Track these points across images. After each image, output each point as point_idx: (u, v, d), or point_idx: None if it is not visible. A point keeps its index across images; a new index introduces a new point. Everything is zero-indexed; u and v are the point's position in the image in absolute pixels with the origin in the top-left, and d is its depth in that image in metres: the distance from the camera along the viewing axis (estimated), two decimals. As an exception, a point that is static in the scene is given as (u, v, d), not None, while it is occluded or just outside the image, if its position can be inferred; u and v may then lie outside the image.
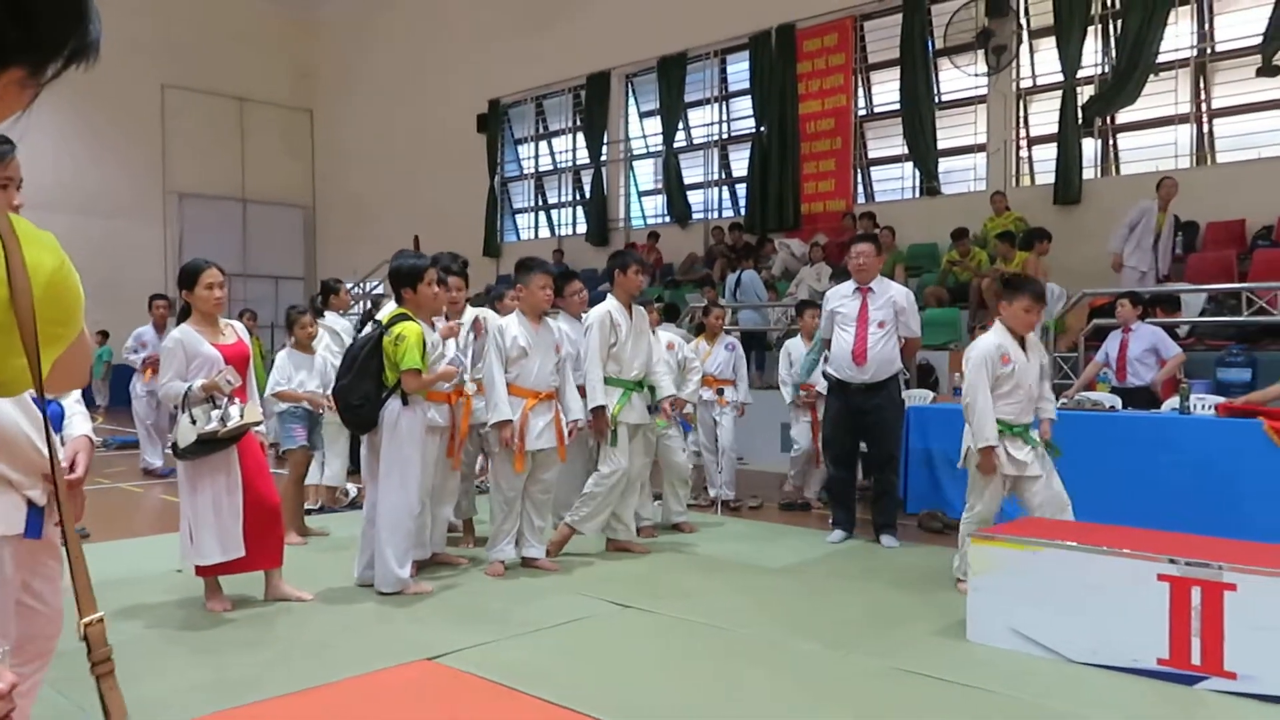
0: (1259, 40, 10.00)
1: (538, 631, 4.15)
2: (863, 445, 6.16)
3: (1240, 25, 10.48)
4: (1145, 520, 4.49)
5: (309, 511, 6.72)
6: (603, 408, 5.43)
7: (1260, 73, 10.06)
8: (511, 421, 5.03)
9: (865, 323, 5.89)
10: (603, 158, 16.13)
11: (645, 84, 15.81)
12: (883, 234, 11.46)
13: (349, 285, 9.98)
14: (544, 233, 17.65)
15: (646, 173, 16.23)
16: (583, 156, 16.65)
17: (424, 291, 4.85)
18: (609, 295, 5.74)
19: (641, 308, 5.86)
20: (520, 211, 18.22)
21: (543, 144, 17.74)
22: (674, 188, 15.16)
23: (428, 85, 18.53)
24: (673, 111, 15.11)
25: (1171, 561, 3.49)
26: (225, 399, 4.31)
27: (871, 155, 13.52)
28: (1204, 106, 10.78)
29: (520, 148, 18.07)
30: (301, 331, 6.26)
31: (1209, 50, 10.76)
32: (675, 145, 15.21)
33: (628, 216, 16.19)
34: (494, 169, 17.74)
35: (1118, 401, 6.61)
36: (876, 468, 6.13)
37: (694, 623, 4.30)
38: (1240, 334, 8.13)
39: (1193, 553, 3.54)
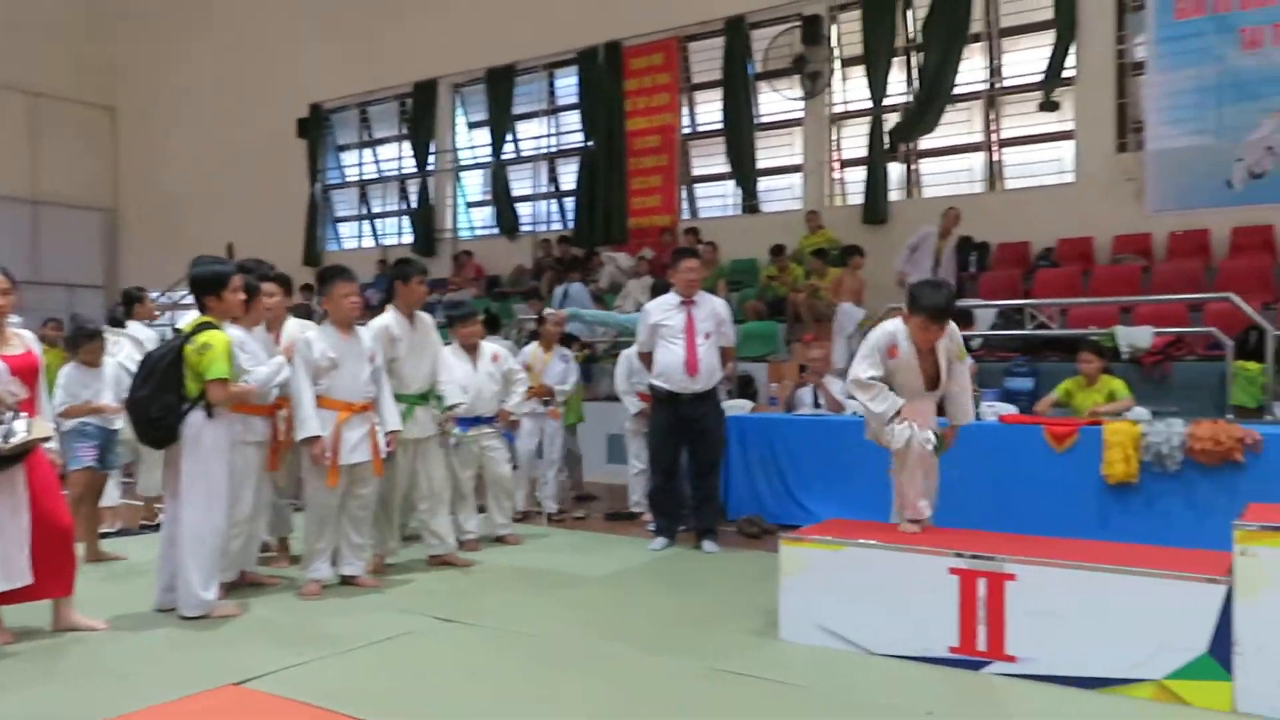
0: (1041, 78, 10.95)
1: (355, 650, 4.04)
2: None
3: (1025, 63, 11.44)
4: (942, 519, 4.79)
5: (105, 535, 6.30)
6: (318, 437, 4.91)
7: (1041, 107, 11.01)
8: (321, 437, 4.87)
9: (693, 334, 6.05)
10: (430, 167, 15.89)
11: (474, 95, 15.70)
12: (706, 249, 11.82)
13: (154, 295, 9.42)
14: (368, 242, 17.20)
15: (475, 184, 16.11)
16: (409, 165, 16.34)
17: (230, 299, 4.65)
18: (389, 307, 5.62)
19: (427, 316, 5.74)
20: (343, 220, 17.68)
21: (367, 151, 17.29)
22: (502, 199, 15.10)
23: (245, 86, 17.71)
24: (501, 123, 15.07)
25: (959, 555, 3.76)
26: (9, 413, 4.00)
27: (696, 172, 13.91)
28: (994, 136, 11.67)
29: (343, 154, 17.54)
30: (88, 355, 5.86)
31: (998, 85, 11.68)
32: (504, 157, 15.17)
33: (455, 227, 16.00)
34: (315, 175, 17.15)
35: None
36: (700, 474, 6.29)
37: (515, 633, 4.30)
38: (1025, 346, 8.83)
39: (980, 547, 3.83)
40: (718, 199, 13.81)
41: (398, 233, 16.83)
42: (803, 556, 4.12)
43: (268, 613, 4.67)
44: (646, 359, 6.26)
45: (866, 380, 4.42)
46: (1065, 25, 10.74)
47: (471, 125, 15.96)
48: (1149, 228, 10.26)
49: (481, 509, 6.53)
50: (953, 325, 4.45)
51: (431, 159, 15.87)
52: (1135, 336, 8.07)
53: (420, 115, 15.84)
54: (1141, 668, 3.41)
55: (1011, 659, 3.65)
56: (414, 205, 16.17)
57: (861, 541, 4.03)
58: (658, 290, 7.31)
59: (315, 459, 4.89)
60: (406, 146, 16.36)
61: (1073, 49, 10.79)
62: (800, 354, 9.75)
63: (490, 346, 6.62)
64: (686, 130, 13.79)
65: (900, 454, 4.42)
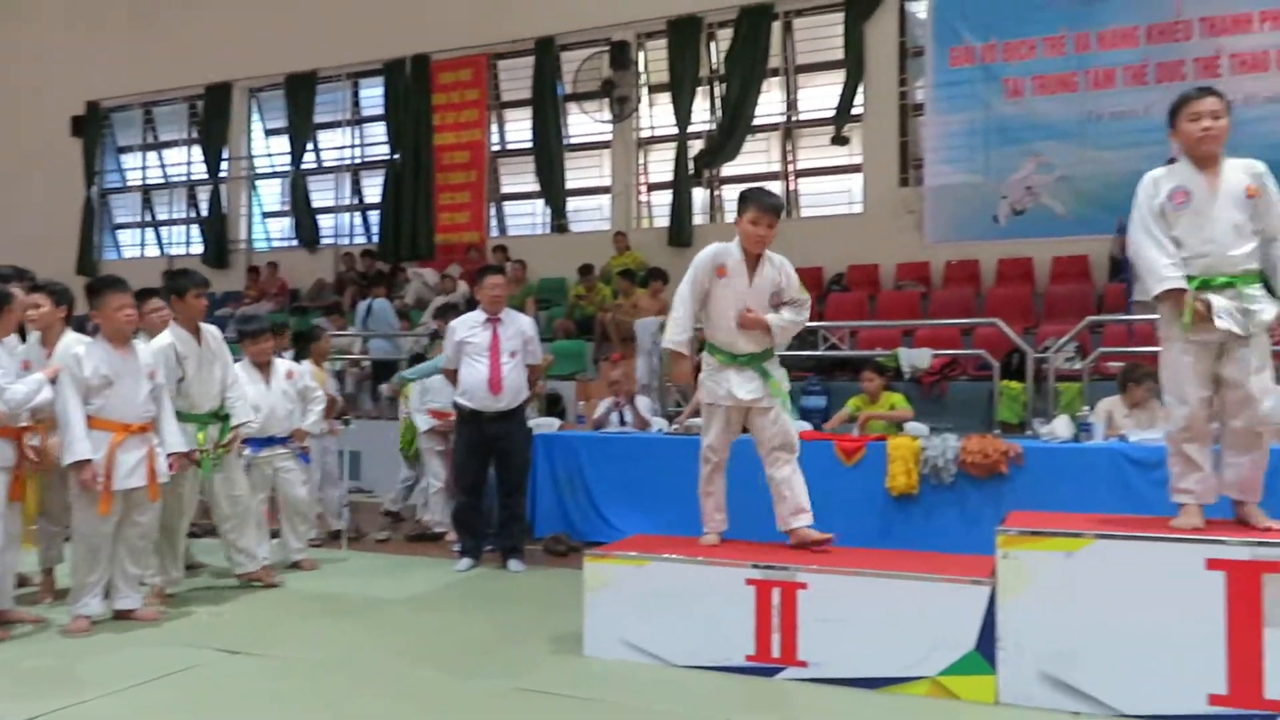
0: (833, 113, 11.64)
1: (129, 689, 3.75)
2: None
3: (819, 99, 12.12)
4: (738, 532, 4.95)
5: None
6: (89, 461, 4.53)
7: (833, 141, 11.70)
8: (91, 461, 4.49)
9: (498, 353, 6.01)
10: (222, 174, 15.07)
11: (272, 100, 15.04)
12: (515, 267, 11.79)
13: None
14: (152, 251, 16.11)
15: (272, 193, 15.40)
16: (199, 171, 15.44)
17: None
18: (171, 323, 5.28)
19: (214, 330, 5.43)
20: (124, 227, 16.49)
21: (152, 154, 16.21)
22: (302, 210, 14.54)
23: (13, 78, 16.21)
24: (302, 131, 14.51)
25: (756, 566, 3.91)
26: None
27: (505, 190, 13.88)
28: (791, 166, 12.28)
29: (124, 157, 16.38)
30: None
31: (795, 118, 12.32)
32: (304, 166, 14.60)
33: (250, 238, 15.24)
34: (91, 178, 15.91)
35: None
36: (505, 493, 6.24)
37: (311, 662, 4.12)
38: (818, 366, 9.31)
39: (775, 558, 4.00)
40: (527, 217, 13.83)
41: (185, 242, 15.85)
42: (607, 572, 4.17)
43: (26, 653, 4.26)
44: (452, 376, 6.17)
45: (677, 301, 4.37)
46: (854, 66, 11.47)
47: (269, 132, 15.28)
48: (928, 257, 11.07)
49: (275, 534, 6.23)
50: (788, 264, 4.41)
51: (224, 165, 15.06)
52: (916, 357, 8.66)
53: (212, 119, 15.03)
54: (918, 666, 3.65)
55: (803, 664, 3.82)
56: (204, 214, 15.29)
57: (664, 556, 4.12)
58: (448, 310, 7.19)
59: (85, 485, 4.50)
60: (197, 151, 15.46)
61: (861, 88, 11.53)
62: (606, 373, 9.90)
63: (284, 363, 6.33)
64: (496, 147, 13.75)
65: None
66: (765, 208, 4.29)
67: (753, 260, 4.36)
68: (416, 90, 13.67)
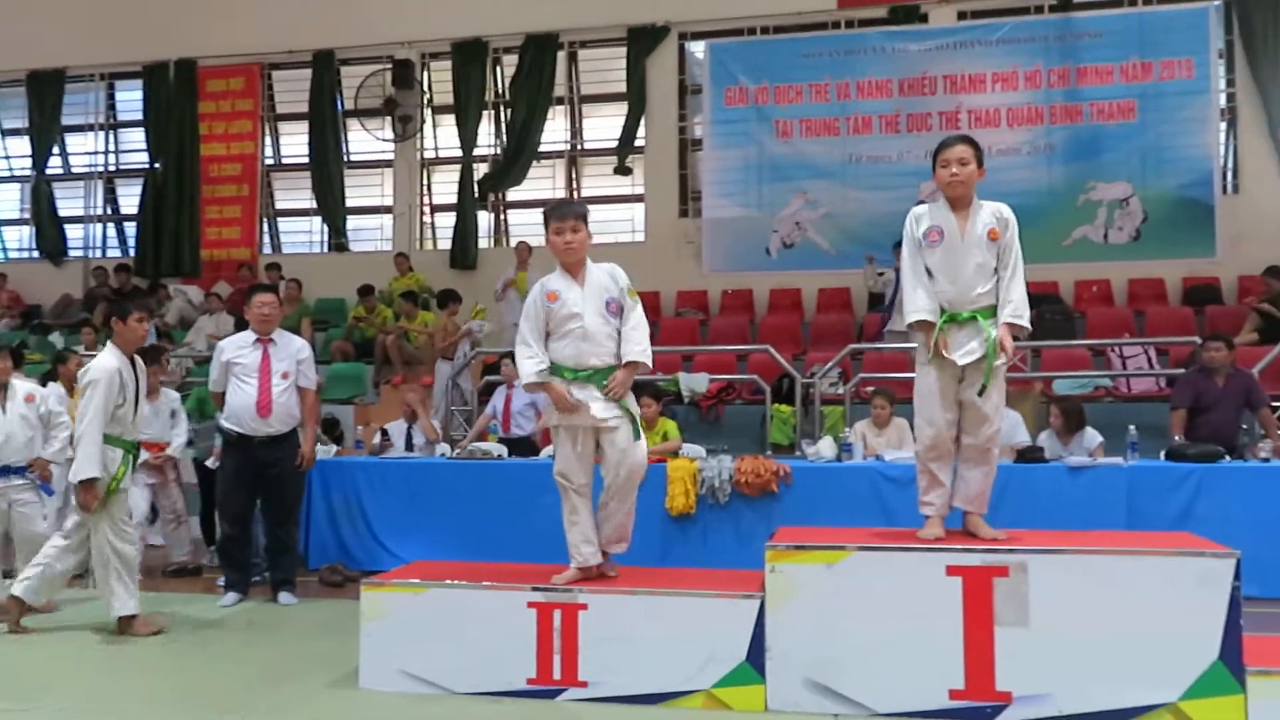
0: (616, 144, 11.94)
1: None
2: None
3: (603, 129, 12.40)
4: (527, 555, 4.93)
5: None
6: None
7: (616, 171, 12.00)
8: None
9: (269, 374, 5.72)
10: (-52, 176, 13.57)
11: (10, 98, 13.67)
12: (289, 286, 11.29)
13: None
14: None
15: (8, 199, 13.99)
16: (-82, 171, 13.82)
17: None
18: (108, 345, 5.05)
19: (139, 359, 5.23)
20: None
21: None
22: (45, 219, 13.28)
23: None
24: (46, 133, 13.31)
25: (537, 589, 3.93)
26: None
27: (280, 206, 13.27)
28: (576, 194, 12.46)
29: None
30: None
31: (580, 146, 12.54)
32: (49, 171, 13.37)
33: (-19, 247, 13.78)
34: None
35: (504, 450, 7.26)
36: (275, 523, 5.93)
37: (62, 710, 3.74)
38: (602, 390, 9.45)
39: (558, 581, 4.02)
40: (303, 235, 13.28)
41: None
42: (384, 601, 4.05)
43: None
44: (219, 399, 5.82)
45: (520, 343, 4.15)
46: (636, 99, 11.83)
47: (5, 132, 13.88)
48: (706, 285, 11.54)
49: (8, 574, 5.63)
50: (619, 270, 4.28)
51: (-50, 166, 13.57)
52: (694, 382, 9.00)
53: (-66, 114, 13.50)
54: (694, 679, 3.77)
55: (584, 684, 3.85)
56: (-75, 219, 13.68)
57: (444, 582, 4.05)
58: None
59: None
60: (-85, 149, 13.83)
61: (643, 121, 11.90)
62: (389, 396, 9.65)
63: (24, 385, 5.77)
64: (270, 161, 13.14)
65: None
66: (558, 214, 4.16)
67: (577, 271, 4.18)
68: (181, 96, 12.85)
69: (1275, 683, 3.37)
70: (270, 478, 5.79)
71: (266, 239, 13.12)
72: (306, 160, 12.70)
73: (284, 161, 13.21)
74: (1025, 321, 3.79)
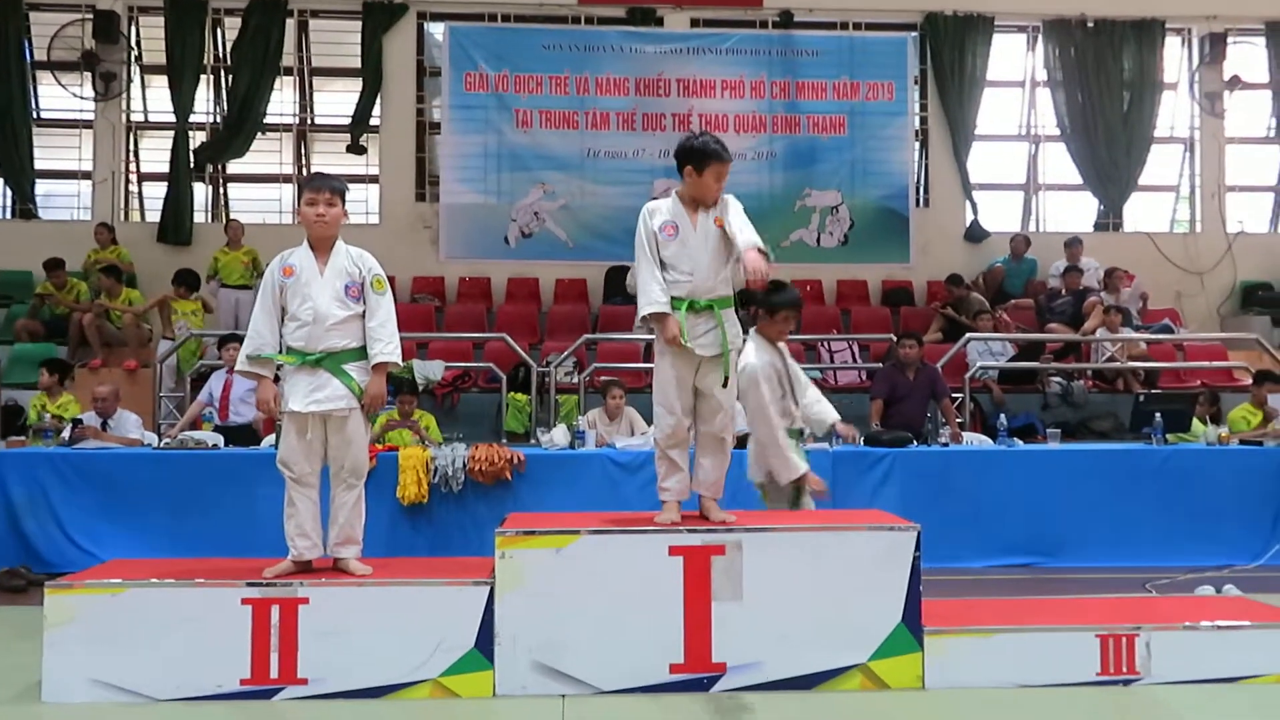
0: (349, 120, 11.47)
1: None
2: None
3: (335, 104, 11.87)
4: (248, 551, 4.63)
5: None
6: None
7: (349, 149, 11.52)
8: None
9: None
10: None
11: None
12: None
13: None
14: None
15: None
16: None
17: None
18: None
19: None
20: None
21: None
22: None
23: None
24: None
25: (251, 585, 3.71)
26: None
27: (-50, 165, 11.62)
28: (305, 170, 11.84)
29: None
30: None
31: (310, 121, 11.92)
32: None
33: None
34: None
35: (220, 439, 6.77)
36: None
37: None
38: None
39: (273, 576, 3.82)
40: (-21, 199, 11.73)
41: None
42: (74, 605, 3.67)
43: None
44: None
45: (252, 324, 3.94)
46: (372, 75, 11.40)
47: None
48: (443, 272, 11.34)
49: None
50: (368, 256, 4.05)
51: None
52: (429, 369, 8.85)
53: None
54: (421, 669, 3.71)
55: (304, 681, 3.68)
56: None
57: (144, 581, 3.73)
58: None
59: None
60: None
61: (379, 99, 11.50)
62: (86, 381, 8.72)
63: None
64: (-63, 112, 11.48)
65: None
66: (314, 185, 3.95)
67: (322, 249, 3.96)
68: None
69: (946, 640, 3.81)
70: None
71: (-69, 201, 11.48)
72: (-12, 115, 11.21)
73: (-44, 113, 11.58)
74: (765, 246, 3.91)
